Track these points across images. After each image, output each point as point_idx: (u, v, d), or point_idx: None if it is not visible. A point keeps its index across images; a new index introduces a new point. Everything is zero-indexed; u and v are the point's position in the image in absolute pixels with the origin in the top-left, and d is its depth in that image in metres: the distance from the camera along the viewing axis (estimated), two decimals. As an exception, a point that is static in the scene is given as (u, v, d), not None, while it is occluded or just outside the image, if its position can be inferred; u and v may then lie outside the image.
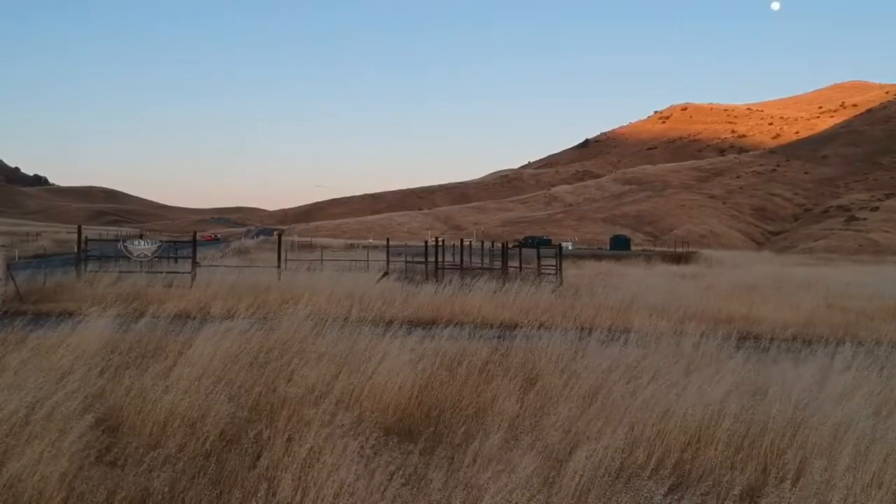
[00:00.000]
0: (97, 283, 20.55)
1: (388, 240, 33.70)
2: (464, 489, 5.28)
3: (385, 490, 5.36)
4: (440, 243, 32.69)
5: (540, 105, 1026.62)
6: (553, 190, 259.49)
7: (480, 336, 11.90)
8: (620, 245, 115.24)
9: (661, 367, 9.49)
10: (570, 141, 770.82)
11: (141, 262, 24.27)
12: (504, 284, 22.17)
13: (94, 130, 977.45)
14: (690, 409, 7.45)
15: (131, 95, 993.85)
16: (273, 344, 10.30)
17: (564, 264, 34.81)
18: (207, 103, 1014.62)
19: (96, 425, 6.66)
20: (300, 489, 5.40)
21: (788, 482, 5.66)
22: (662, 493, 5.27)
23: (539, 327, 14.35)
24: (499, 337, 12.32)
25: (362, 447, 6.03)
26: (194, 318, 12.95)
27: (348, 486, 5.35)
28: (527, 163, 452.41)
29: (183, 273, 23.39)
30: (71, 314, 13.51)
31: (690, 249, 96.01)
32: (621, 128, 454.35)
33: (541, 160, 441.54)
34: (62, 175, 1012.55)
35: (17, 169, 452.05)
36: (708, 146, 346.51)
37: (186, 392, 7.57)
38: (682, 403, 7.62)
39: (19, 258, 36.37)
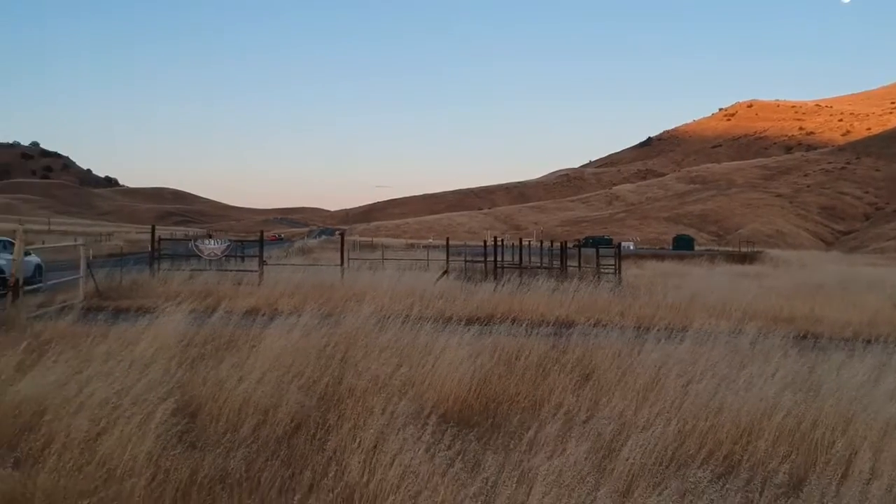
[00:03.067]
0: (170, 280, 21.44)
1: (447, 239, 34.08)
2: (518, 471, 5.61)
3: (445, 473, 5.70)
4: (499, 243, 32.94)
5: (602, 103, 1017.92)
6: (615, 189, 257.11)
7: (537, 333, 12.11)
8: (683, 245, 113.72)
9: (716, 363, 9.61)
10: (633, 139, 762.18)
11: (211, 260, 25.16)
12: (562, 283, 22.30)
13: (162, 132, 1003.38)
14: (744, 404, 7.60)
15: (195, 98, 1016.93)
16: (339, 338, 10.70)
17: (625, 264, 34.73)
18: (271, 105, 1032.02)
19: (177, 411, 7.14)
20: (367, 470, 5.78)
21: (834, 471, 5.84)
22: (709, 479, 5.51)
23: (596, 325, 14.50)
24: (555, 334, 12.48)
25: (423, 434, 6.38)
26: (263, 314, 13.48)
27: (412, 468, 5.70)
28: (588, 161, 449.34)
29: (251, 271, 24.13)
30: (147, 310, 14.23)
31: (756, 249, 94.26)
32: (685, 125, 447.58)
33: (602, 159, 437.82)
34: (132, 176, 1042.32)
35: (89, 171, 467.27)
36: (774, 144, 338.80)
37: (259, 382, 8.05)
38: (736, 398, 7.79)
39: (95, 257, 37.83)
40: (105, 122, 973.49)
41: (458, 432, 6.74)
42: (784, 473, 5.82)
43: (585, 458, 5.91)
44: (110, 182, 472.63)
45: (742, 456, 6.67)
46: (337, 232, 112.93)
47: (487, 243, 34.01)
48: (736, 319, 15.20)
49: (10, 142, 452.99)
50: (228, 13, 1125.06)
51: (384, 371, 8.79)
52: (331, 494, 5.48)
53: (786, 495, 5.59)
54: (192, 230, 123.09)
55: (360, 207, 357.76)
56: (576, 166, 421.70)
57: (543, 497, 5.11)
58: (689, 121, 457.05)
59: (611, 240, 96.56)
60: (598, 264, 32.65)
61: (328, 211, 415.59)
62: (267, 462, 6.22)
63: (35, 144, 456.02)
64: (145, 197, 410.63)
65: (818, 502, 5.43)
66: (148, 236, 30.65)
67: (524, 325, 12.86)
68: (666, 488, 5.38)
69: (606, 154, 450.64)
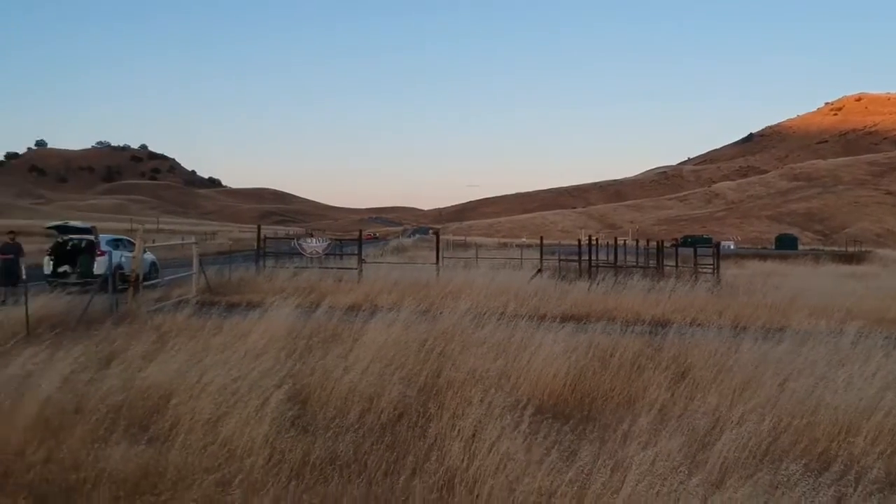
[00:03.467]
0: (275, 277, 22.43)
1: (541, 238, 34.13)
2: (612, 460, 5.83)
3: (542, 461, 5.97)
4: (594, 242, 32.81)
5: (701, 99, 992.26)
6: (714, 187, 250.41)
7: (632, 331, 12.19)
8: (786, 244, 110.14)
9: (814, 362, 9.52)
10: (733, 135, 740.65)
11: (312, 258, 26.08)
12: (658, 283, 22.10)
13: (264, 134, 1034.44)
14: (842, 403, 7.58)
15: (293, 100, 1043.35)
16: (437, 333, 11.09)
17: (725, 264, 34.05)
18: (365, 105, 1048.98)
19: (289, 398, 7.66)
20: (467, 457, 6.11)
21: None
22: (801, 473, 5.59)
23: (692, 324, 14.44)
24: (651, 332, 12.50)
25: (520, 424, 6.66)
26: (364, 310, 14.06)
27: (510, 455, 6.00)
28: (686, 159, 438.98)
29: (350, 269, 24.91)
30: (256, 304, 14.98)
31: (864, 249, 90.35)
32: (789, 120, 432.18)
33: (701, 156, 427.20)
34: (234, 177, 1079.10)
35: (193, 172, 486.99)
36: (885, 139, 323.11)
37: (363, 373, 8.54)
38: (834, 397, 7.76)
39: (203, 255, 39.59)
40: (209, 125, 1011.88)
41: (554, 423, 6.99)
42: (879, 470, 5.84)
43: (679, 450, 6.08)
44: (213, 183, 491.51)
45: (838, 453, 6.69)
46: (431, 231, 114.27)
47: (582, 242, 33.91)
48: (837, 319, 14.82)
49: (121, 145, 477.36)
50: (326, 13, 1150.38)
51: (481, 365, 9.13)
52: (433, 477, 5.84)
53: (880, 491, 5.62)
54: (291, 229, 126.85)
55: (452, 206, 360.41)
56: (674, 163, 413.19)
57: (637, 484, 5.32)
58: (793, 116, 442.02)
59: (710, 239, 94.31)
60: (695, 264, 32.10)
61: (421, 210, 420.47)
62: (373, 446, 6.63)
63: (143, 147, 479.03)
64: (247, 197, 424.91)
65: (915, 499, 5.46)
66: (250, 235, 32.00)
67: (619, 324, 12.97)
68: (758, 480, 5.50)
69: (706, 151, 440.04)
